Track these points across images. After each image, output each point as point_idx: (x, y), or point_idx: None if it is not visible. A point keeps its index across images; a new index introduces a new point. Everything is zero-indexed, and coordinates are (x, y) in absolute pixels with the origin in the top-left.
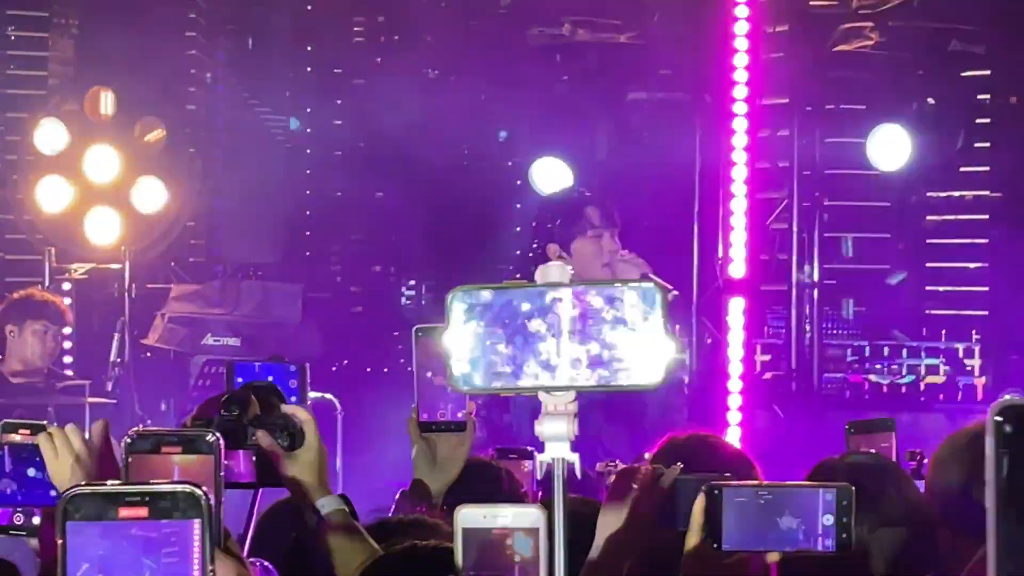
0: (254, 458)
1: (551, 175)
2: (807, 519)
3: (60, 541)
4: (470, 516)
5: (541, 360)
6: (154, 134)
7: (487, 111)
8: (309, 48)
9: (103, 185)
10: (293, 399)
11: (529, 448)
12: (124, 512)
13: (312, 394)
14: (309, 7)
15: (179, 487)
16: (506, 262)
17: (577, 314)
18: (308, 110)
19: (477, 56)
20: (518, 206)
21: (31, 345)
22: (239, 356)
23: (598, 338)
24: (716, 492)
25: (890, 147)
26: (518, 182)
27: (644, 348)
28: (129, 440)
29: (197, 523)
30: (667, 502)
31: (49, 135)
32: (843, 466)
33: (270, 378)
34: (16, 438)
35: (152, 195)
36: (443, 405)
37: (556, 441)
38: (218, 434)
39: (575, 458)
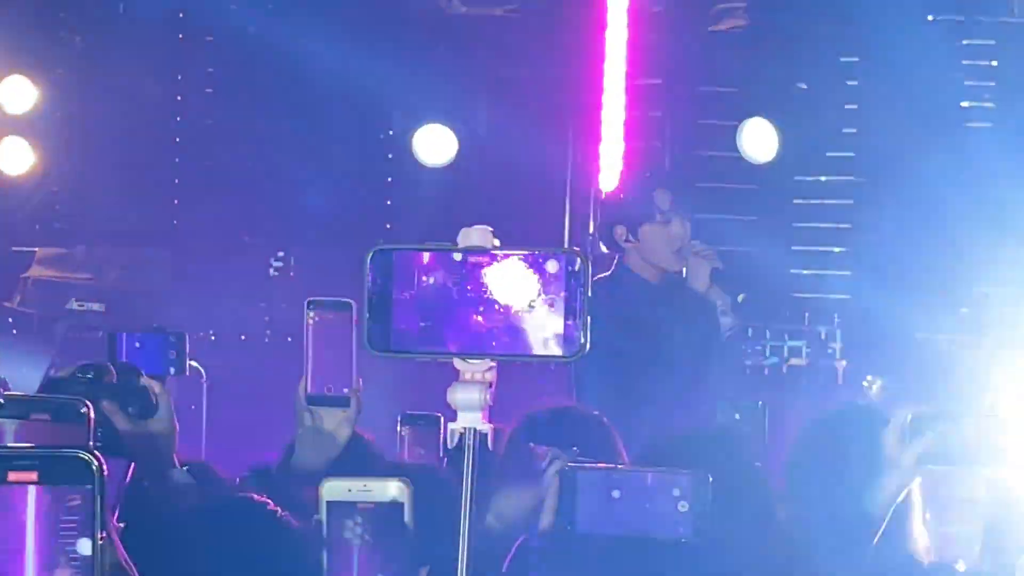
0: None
1: (435, 145)
2: (661, 504)
3: None
4: (335, 488)
5: (459, 326)
6: (22, 96)
7: (365, 82)
8: (181, 15)
9: None
10: (172, 369)
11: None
12: (13, 476)
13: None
14: None
15: (71, 452)
16: (378, 235)
17: (497, 280)
18: (179, 78)
19: (355, 26)
20: (389, 179)
21: None
22: (104, 322)
23: (518, 306)
24: (571, 474)
25: (759, 139)
26: (390, 155)
27: (565, 319)
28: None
29: (88, 489)
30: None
31: None
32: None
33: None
34: None
35: (18, 157)
36: (330, 379)
37: (468, 410)
38: (89, 403)
39: (487, 428)
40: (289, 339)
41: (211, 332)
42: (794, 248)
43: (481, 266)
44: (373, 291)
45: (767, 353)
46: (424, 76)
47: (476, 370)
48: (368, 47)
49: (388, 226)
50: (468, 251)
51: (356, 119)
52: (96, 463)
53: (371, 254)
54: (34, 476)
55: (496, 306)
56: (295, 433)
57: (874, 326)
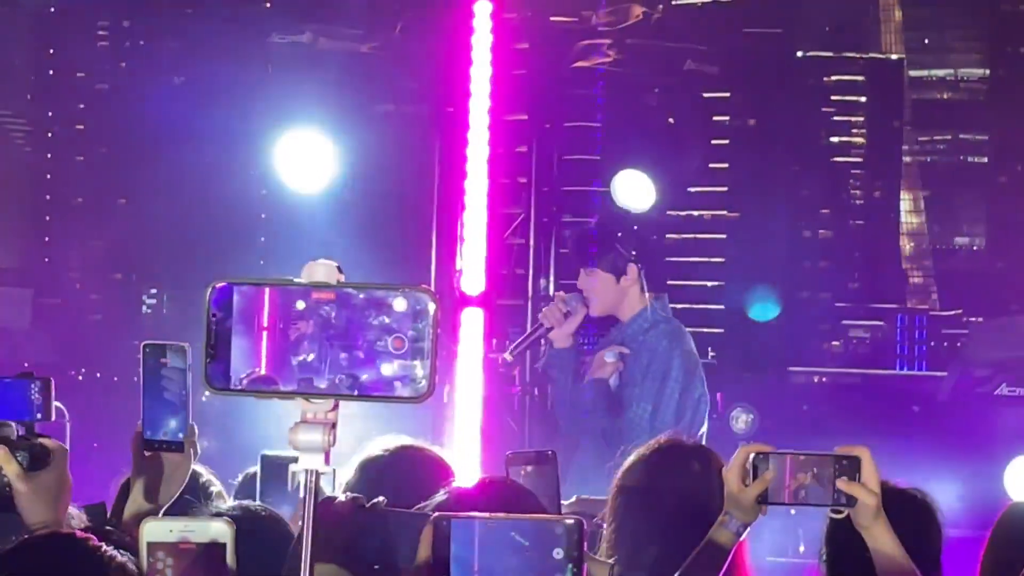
0: None
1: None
2: (538, 552)
3: None
4: (155, 530)
5: (302, 364)
6: None
7: (232, 119)
8: (51, 51)
9: None
10: (39, 415)
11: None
12: None
13: None
14: (52, 9)
15: None
16: (249, 271)
17: (343, 318)
18: (49, 114)
19: (223, 63)
20: (263, 216)
21: None
22: None
23: (363, 345)
24: (444, 523)
25: (635, 190)
26: (263, 192)
27: (412, 359)
28: None
29: None
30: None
31: None
32: None
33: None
34: None
35: None
36: (166, 424)
37: (310, 452)
38: None
39: (329, 471)
40: None
41: (80, 371)
42: (669, 282)
43: (326, 302)
44: (213, 327)
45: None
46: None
47: (319, 410)
48: (236, 81)
49: (261, 262)
50: (312, 286)
51: (228, 154)
52: None
53: (210, 288)
54: None
55: (341, 344)
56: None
57: (747, 359)
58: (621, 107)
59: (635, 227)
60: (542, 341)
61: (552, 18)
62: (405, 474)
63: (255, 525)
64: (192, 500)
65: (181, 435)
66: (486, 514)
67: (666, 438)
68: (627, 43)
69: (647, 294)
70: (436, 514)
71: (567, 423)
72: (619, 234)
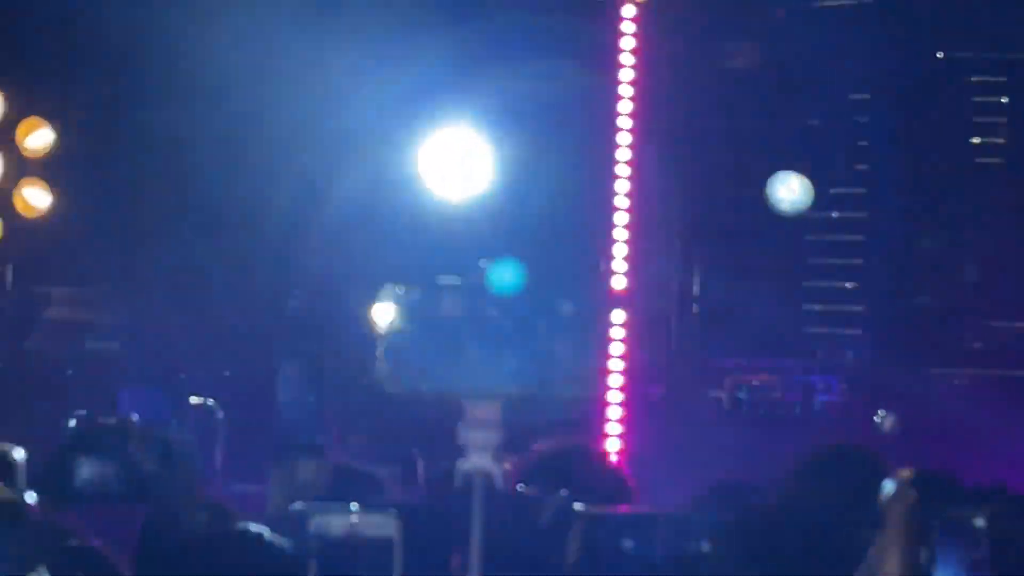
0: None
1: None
2: (666, 544)
3: None
4: (324, 523)
5: (467, 365)
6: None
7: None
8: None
9: None
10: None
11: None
12: None
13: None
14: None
15: None
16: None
17: (507, 320)
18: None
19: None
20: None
21: None
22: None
23: (527, 347)
24: (594, 517)
25: (792, 190)
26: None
27: (573, 360)
28: None
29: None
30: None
31: None
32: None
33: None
34: None
35: (35, 199)
36: (301, 428)
37: (479, 451)
38: (22, 450)
39: (496, 469)
40: None
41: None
42: (805, 284)
43: (496, 301)
44: (388, 333)
45: (780, 390)
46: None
47: (485, 411)
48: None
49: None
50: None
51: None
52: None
53: (391, 292)
54: None
55: (505, 345)
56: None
57: (887, 361)
58: (764, 108)
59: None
60: None
61: (698, 19)
62: (581, 470)
63: None
64: None
65: (319, 438)
66: (634, 507)
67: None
68: (772, 45)
69: None
70: (589, 509)
71: None
72: None
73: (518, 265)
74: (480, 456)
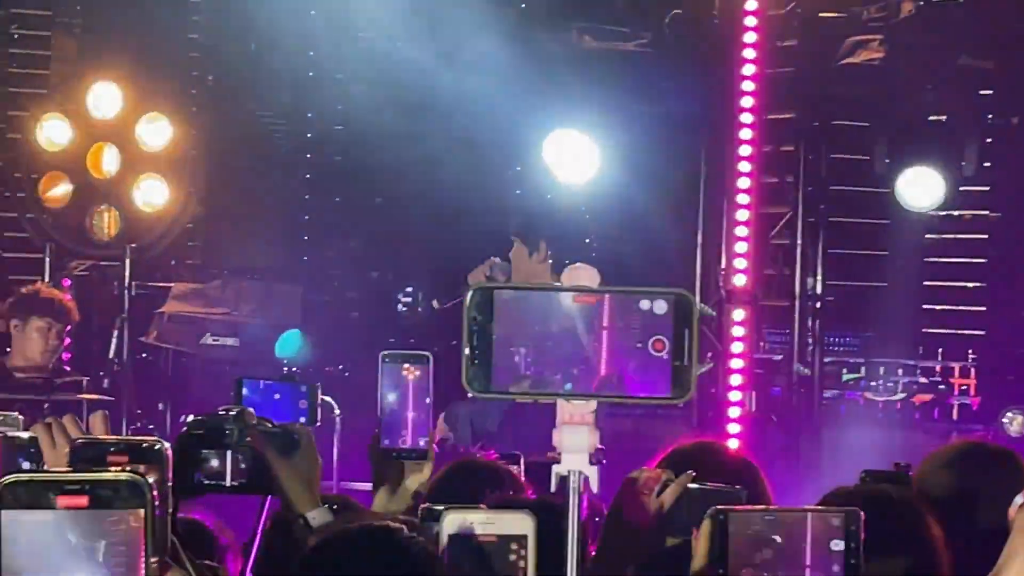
0: (243, 463)
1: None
2: (817, 544)
3: None
4: (456, 521)
5: (562, 366)
6: (159, 134)
7: (492, 119)
8: (311, 53)
9: (105, 182)
10: (302, 419)
11: (516, 453)
12: (63, 501)
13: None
14: (312, 11)
15: (122, 475)
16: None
17: (604, 321)
18: (309, 115)
19: (482, 62)
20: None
21: (34, 341)
22: (238, 357)
23: (624, 347)
24: (722, 517)
25: (922, 188)
26: (518, 191)
27: (672, 360)
28: (72, 449)
29: (140, 513)
30: (672, 511)
31: (53, 132)
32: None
33: (277, 395)
34: None
35: (154, 194)
36: (404, 432)
37: (574, 452)
38: (166, 443)
39: (593, 471)
40: None
41: (340, 366)
42: (926, 283)
43: (586, 306)
44: (474, 331)
45: (899, 389)
46: (558, 111)
47: (579, 411)
48: (498, 83)
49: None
50: (573, 290)
51: (485, 154)
52: (148, 486)
53: (471, 292)
54: (84, 501)
55: (601, 347)
56: (373, 484)
57: (1009, 361)
58: (892, 105)
59: (582, 209)
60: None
61: (821, 14)
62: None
63: None
64: None
65: (423, 442)
66: (764, 507)
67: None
68: (898, 39)
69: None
70: (714, 508)
71: None
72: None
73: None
74: (577, 457)
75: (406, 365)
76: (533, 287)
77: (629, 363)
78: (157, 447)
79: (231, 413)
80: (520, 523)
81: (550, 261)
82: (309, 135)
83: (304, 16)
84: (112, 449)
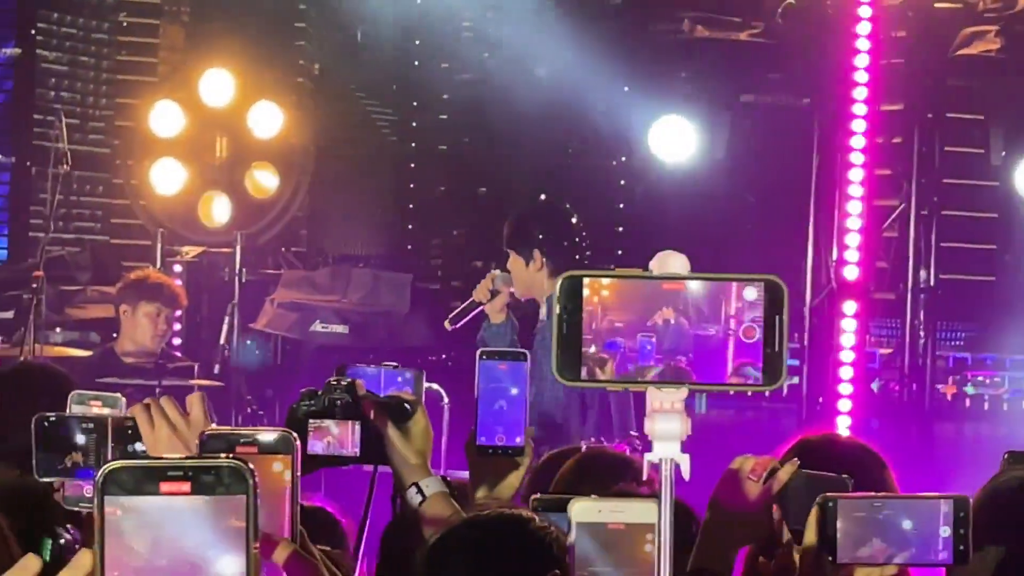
0: (358, 433)
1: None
2: (924, 530)
3: (97, 516)
4: (584, 510)
5: (652, 353)
6: (270, 122)
7: (596, 108)
8: (417, 42)
9: (216, 168)
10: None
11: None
12: (165, 487)
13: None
14: (418, 0)
15: (224, 461)
16: (608, 262)
17: (694, 308)
18: (415, 104)
19: (591, 52)
20: (621, 206)
21: (143, 327)
22: (347, 344)
23: (714, 334)
24: (830, 504)
25: None
26: (622, 182)
27: (763, 348)
28: (201, 440)
29: (242, 499)
30: (781, 498)
31: (165, 119)
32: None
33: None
34: (93, 411)
35: (264, 181)
36: (501, 429)
37: (666, 440)
38: (295, 435)
39: (685, 459)
40: None
41: (443, 355)
42: None
43: (676, 292)
44: (564, 319)
45: (1006, 384)
46: (664, 100)
47: (671, 399)
48: (604, 70)
49: (620, 252)
50: (663, 277)
51: (591, 143)
52: (250, 472)
53: (561, 280)
54: (187, 487)
55: (692, 334)
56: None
57: None
58: (1007, 97)
59: (573, 219)
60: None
61: (936, 4)
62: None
63: None
64: None
65: (519, 439)
66: (872, 494)
67: None
68: (1016, 29)
69: (553, 281)
70: (823, 495)
71: None
72: (538, 222)
73: None
74: (669, 445)
75: (503, 362)
76: (623, 274)
77: (719, 350)
78: (286, 437)
79: (343, 383)
80: (650, 511)
81: (546, 269)
82: (414, 124)
83: (410, 5)
84: (241, 440)
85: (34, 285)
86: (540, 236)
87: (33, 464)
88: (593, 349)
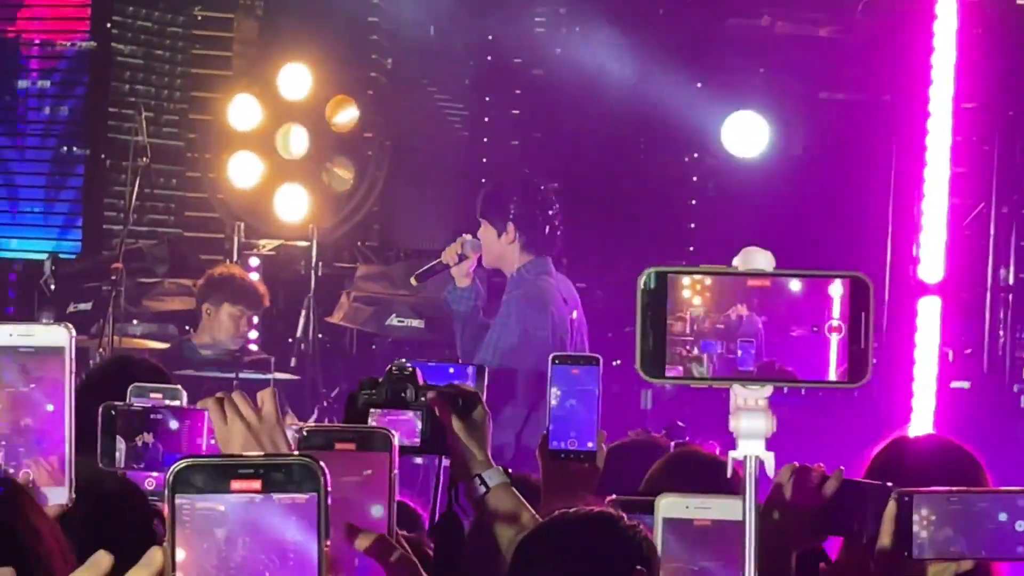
0: (419, 424)
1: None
2: (1001, 525)
3: (168, 514)
4: (672, 506)
5: (738, 350)
6: (347, 116)
7: (668, 104)
8: (490, 37)
9: (293, 162)
10: None
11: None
12: (236, 485)
13: None
14: None
15: (295, 459)
16: (680, 258)
17: (779, 305)
18: (487, 99)
19: (665, 48)
20: (693, 202)
21: (225, 327)
22: (423, 338)
23: (800, 331)
24: (906, 499)
25: None
26: (695, 178)
27: (849, 345)
28: (300, 437)
29: (313, 497)
30: (832, 504)
31: (242, 112)
32: None
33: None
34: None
35: (341, 175)
36: (573, 433)
37: (751, 438)
38: (393, 431)
39: (769, 456)
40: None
41: None
42: None
43: (762, 289)
44: (648, 315)
45: None
46: (740, 95)
47: (754, 396)
48: (678, 65)
49: (691, 248)
50: (748, 274)
51: (664, 138)
52: (321, 470)
53: (644, 276)
54: (257, 485)
55: (777, 330)
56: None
57: None
58: None
59: (551, 198)
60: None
61: (1019, 1)
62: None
63: None
64: None
65: (590, 444)
66: (947, 488)
67: None
68: None
69: (524, 254)
70: (899, 490)
71: (468, 350)
72: (513, 194)
73: None
74: (753, 443)
75: (576, 366)
76: (708, 270)
77: (804, 347)
78: (385, 434)
79: (404, 373)
80: (737, 508)
81: (518, 243)
82: (486, 119)
83: (483, 1)
84: (341, 437)
85: (113, 277)
86: (514, 210)
87: (98, 452)
88: (679, 345)
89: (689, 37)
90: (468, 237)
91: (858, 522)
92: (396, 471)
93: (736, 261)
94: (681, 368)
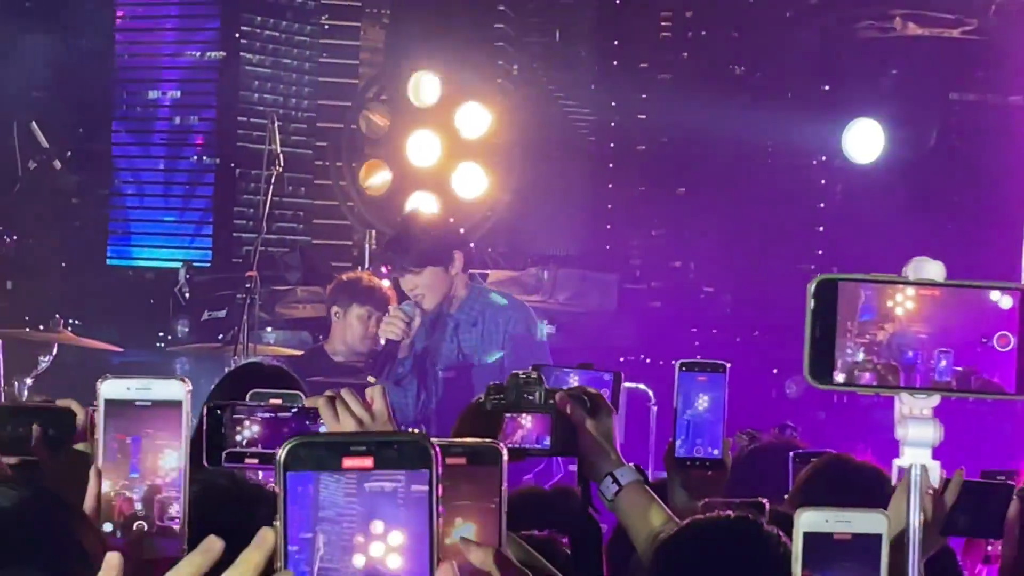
0: (548, 425)
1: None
2: None
3: (280, 492)
4: (811, 519)
5: (904, 360)
6: (477, 123)
7: (795, 107)
8: (615, 42)
9: (424, 169)
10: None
11: None
12: (348, 462)
13: (625, 383)
14: (617, 1)
15: (407, 436)
16: (808, 262)
17: (948, 315)
18: (613, 104)
19: (790, 51)
20: (821, 205)
21: (354, 328)
22: (554, 344)
23: (967, 342)
24: None
25: None
26: (822, 181)
27: (1018, 356)
28: None
29: (425, 474)
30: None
31: (373, 120)
32: None
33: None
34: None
35: (472, 181)
36: (699, 440)
37: (918, 446)
38: (503, 446)
39: (935, 466)
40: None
41: (644, 356)
42: None
43: (931, 299)
44: (817, 321)
45: None
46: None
47: (920, 405)
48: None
49: (820, 252)
50: (918, 283)
51: (790, 141)
52: (433, 447)
53: (815, 283)
54: (369, 462)
55: (945, 340)
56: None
57: None
58: None
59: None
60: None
61: None
62: None
63: None
64: None
65: (716, 451)
66: None
67: None
68: None
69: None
70: (1021, 488)
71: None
72: (428, 232)
73: None
74: (920, 451)
75: (702, 374)
76: (877, 279)
77: (971, 358)
78: (494, 448)
79: (531, 377)
80: (879, 522)
81: (465, 273)
82: (612, 124)
83: (607, 5)
84: (451, 451)
85: (248, 285)
86: (450, 240)
87: (203, 453)
88: (846, 353)
89: (817, 39)
90: (399, 306)
91: (981, 521)
92: (505, 485)
93: (906, 271)
94: (850, 375)
